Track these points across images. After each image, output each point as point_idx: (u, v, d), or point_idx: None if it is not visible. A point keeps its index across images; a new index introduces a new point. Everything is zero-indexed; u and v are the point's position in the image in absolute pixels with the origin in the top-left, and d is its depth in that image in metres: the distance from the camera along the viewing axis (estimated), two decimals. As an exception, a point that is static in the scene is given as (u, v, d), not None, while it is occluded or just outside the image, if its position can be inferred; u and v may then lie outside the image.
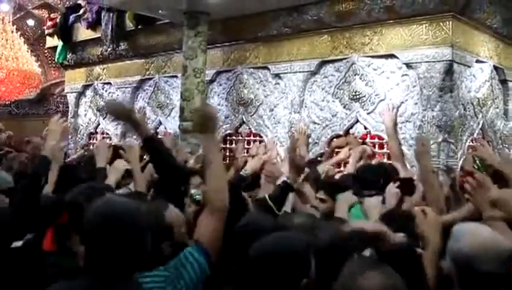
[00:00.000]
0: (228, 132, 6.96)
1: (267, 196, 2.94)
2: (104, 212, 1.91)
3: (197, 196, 3.42)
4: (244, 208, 2.99)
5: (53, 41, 9.77)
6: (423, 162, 3.59)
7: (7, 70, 13.44)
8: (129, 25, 7.93)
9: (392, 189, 3.66)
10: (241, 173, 4.95)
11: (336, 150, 5.68)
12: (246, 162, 5.25)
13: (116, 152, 4.49)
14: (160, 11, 6.81)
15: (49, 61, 17.29)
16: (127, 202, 2.01)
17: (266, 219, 2.59)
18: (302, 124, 6.07)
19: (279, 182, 3.41)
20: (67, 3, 12.53)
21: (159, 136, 6.94)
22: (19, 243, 2.81)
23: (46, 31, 10.02)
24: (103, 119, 8.96)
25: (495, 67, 6.01)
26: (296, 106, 6.18)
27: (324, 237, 2.30)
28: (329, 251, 2.16)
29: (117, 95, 8.72)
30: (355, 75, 5.77)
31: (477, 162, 5.28)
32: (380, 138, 5.58)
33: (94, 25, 8.47)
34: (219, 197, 2.46)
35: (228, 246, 2.40)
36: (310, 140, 6.05)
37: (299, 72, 6.20)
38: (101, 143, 4.92)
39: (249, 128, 6.77)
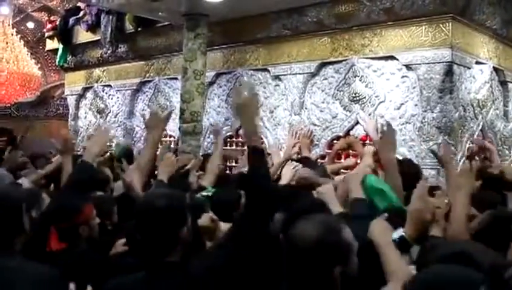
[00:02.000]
0: (229, 133, 6.95)
1: None
2: None
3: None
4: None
5: (53, 44, 9.77)
6: (389, 155, 3.42)
7: (8, 73, 13.46)
8: (129, 27, 7.94)
9: None
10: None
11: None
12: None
13: None
14: (159, 13, 6.81)
15: (49, 64, 17.31)
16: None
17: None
18: (305, 126, 6.06)
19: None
20: (67, 6, 12.53)
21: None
22: None
23: (46, 34, 10.02)
24: (103, 121, 8.96)
25: (495, 69, 6.02)
26: (296, 107, 6.18)
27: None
28: None
29: (117, 97, 8.72)
30: (355, 76, 5.78)
31: (478, 163, 5.28)
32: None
33: (93, 28, 8.47)
34: None
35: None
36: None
37: (299, 73, 6.20)
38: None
39: (249, 130, 6.74)
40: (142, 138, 8.03)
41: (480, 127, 5.71)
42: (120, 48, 8.29)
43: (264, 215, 2.41)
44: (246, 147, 6.28)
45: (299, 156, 5.60)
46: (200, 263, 2.31)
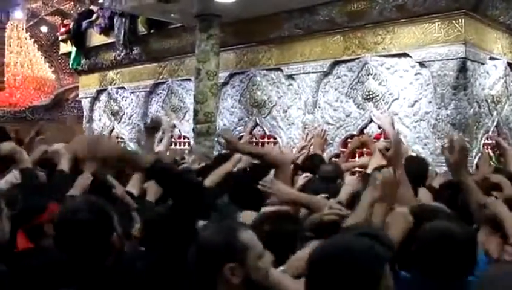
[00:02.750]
0: (242, 134, 6.97)
1: None
2: None
3: None
4: None
5: (67, 48, 9.84)
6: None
7: (22, 77, 13.61)
8: (142, 29, 7.98)
9: None
10: None
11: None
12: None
13: None
14: (172, 15, 6.83)
15: (63, 67, 17.46)
16: None
17: None
18: (318, 125, 6.07)
19: None
20: (80, 9, 12.62)
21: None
22: None
23: (60, 37, 10.10)
24: (118, 123, 9.02)
25: (509, 64, 5.98)
26: (310, 106, 6.18)
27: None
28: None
29: (131, 99, 8.77)
30: (368, 74, 5.77)
31: (493, 159, 5.28)
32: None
33: (106, 30, 8.51)
34: None
35: None
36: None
37: (312, 72, 6.21)
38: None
39: (263, 130, 6.78)
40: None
41: (495, 123, 5.69)
42: (133, 50, 8.34)
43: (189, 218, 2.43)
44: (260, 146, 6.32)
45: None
46: (130, 265, 2.33)
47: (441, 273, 2.17)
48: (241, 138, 6.93)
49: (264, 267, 2.03)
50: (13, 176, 4.30)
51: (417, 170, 4.24)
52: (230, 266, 1.93)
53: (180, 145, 7.76)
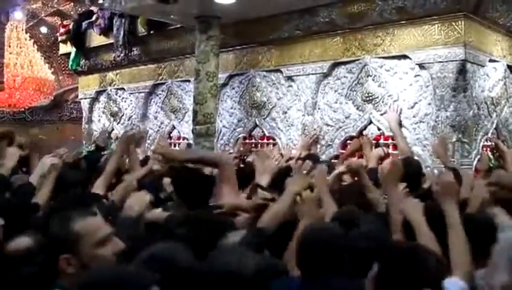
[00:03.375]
0: (241, 135, 6.97)
1: None
2: None
3: None
4: None
5: (66, 48, 9.83)
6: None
7: (22, 78, 13.61)
8: (141, 30, 7.97)
9: None
10: None
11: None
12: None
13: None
14: (171, 16, 6.83)
15: (63, 68, 17.45)
16: None
17: None
18: (317, 126, 6.07)
19: None
20: (79, 10, 12.62)
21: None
22: None
23: (59, 38, 10.09)
24: (117, 124, 9.02)
25: (509, 66, 5.98)
26: (309, 108, 6.18)
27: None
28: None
29: (130, 100, 8.76)
30: (368, 76, 5.77)
31: (493, 161, 5.27)
32: (394, 138, 5.57)
33: (106, 31, 8.50)
34: None
35: None
36: (323, 142, 6.06)
37: (312, 74, 6.20)
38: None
39: (262, 132, 6.78)
40: (156, 140, 8.06)
41: (494, 125, 5.69)
42: (133, 51, 8.33)
43: None
44: (259, 147, 6.33)
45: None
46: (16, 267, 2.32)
47: (316, 274, 2.23)
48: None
49: (105, 254, 2.03)
50: None
51: (411, 171, 4.26)
52: (64, 257, 1.97)
53: (179, 147, 7.76)
